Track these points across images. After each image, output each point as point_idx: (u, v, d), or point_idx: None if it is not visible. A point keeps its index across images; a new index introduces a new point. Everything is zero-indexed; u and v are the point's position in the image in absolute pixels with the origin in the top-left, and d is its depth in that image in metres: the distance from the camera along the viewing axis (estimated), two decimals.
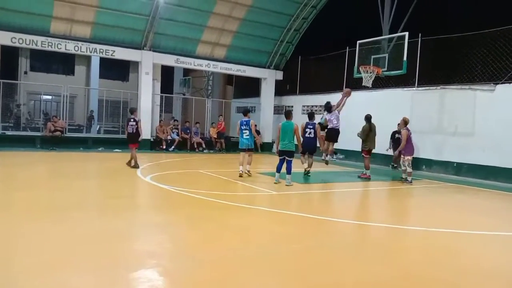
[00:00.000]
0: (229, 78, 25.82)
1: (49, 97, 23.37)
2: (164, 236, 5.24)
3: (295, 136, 9.69)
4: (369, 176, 11.72)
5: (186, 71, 26.86)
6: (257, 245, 5.07)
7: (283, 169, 9.65)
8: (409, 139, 11.02)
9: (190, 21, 17.78)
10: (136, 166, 11.11)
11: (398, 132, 13.08)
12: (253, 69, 20.42)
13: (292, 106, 20.48)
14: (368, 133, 11.88)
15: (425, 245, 5.46)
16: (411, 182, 11.05)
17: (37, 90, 22.64)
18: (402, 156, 11.22)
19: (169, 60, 18.45)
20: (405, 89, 14.90)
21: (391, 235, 6.09)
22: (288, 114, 10.01)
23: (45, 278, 3.61)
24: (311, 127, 11.11)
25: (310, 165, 11.41)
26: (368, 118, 12.01)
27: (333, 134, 11.65)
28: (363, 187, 10.67)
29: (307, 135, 11.05)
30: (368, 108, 15.72)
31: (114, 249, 4.50)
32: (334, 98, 17.95)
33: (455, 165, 13.27)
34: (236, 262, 4.32)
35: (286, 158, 9.60)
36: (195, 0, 17.08)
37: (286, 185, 9.38)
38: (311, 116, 11.40)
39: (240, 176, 10.36)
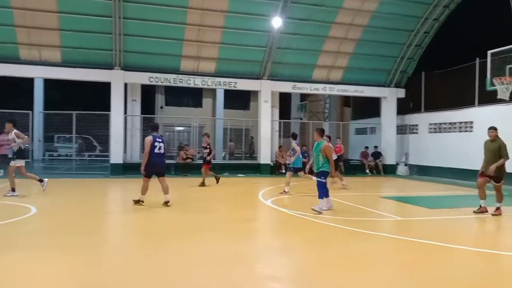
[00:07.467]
0: (346, 100, 25.45)
1: (181, 128, 25.81)
2: (285, 259, 5.32)
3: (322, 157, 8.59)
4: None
5: (303, 96, 27.30)
6: (381, 273, 4.82)
7: None
8: None
9: (305, 48, 18.17)
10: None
11: None
12: (371, 88, 19.86)
13: (417, 125, 19.34)
14: None
15: None
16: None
17: (171, 123, 25.24)
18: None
19: (286, 87, 19.04)
20: None
21: None
22: None
23: None
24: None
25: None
26: None
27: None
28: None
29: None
30: (505, 123, 14.08)
31: (237, 271, 4.71)
32: (464, 113, 16.62)
33: None
34: None
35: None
36: (310, 27, 17.44)
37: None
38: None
39: None
